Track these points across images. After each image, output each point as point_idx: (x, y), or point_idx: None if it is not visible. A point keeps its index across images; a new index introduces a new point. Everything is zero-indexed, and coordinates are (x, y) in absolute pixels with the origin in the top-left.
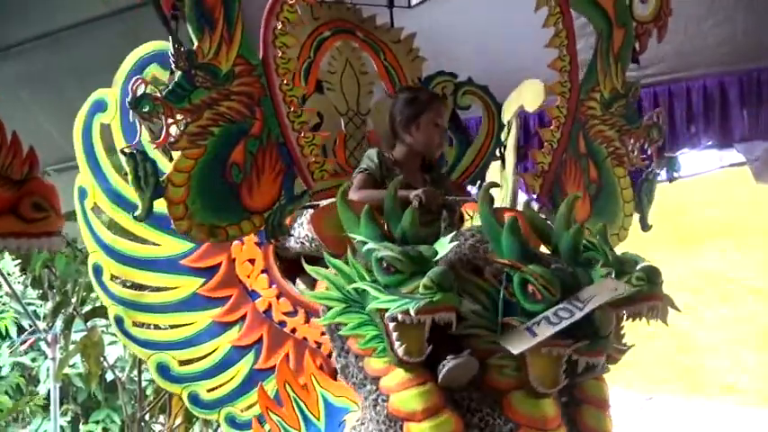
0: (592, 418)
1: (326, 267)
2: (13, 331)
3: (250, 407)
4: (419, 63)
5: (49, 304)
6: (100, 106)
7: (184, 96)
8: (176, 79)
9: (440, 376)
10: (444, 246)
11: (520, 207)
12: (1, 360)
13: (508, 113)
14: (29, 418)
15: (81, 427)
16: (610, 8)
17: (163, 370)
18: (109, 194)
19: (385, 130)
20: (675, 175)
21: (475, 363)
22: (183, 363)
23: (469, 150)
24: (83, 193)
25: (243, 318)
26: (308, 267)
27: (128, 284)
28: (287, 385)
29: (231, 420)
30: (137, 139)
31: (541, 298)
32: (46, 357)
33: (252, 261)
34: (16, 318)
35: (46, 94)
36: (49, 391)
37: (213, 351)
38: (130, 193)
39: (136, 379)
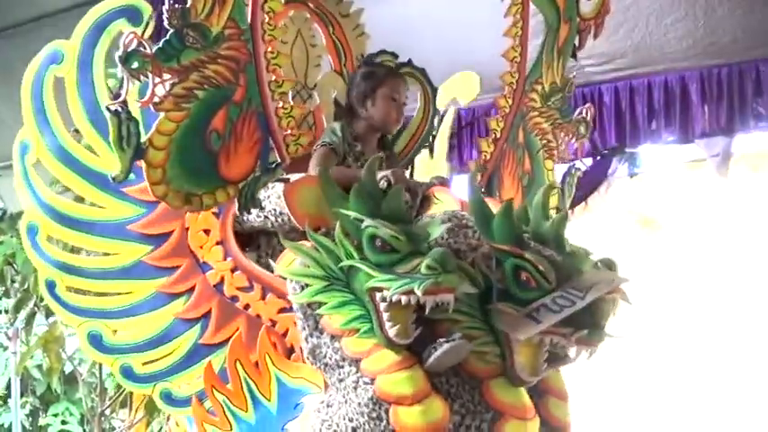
0: (556, 408)
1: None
2: None
3: (189, 383)
4: (364, 40)
5: (12, 300)
6: (55, 57)
7: (174, 56)
8: (167, 37)
9: (430, 359)
10: (437, 227)
11: None
12: None
13: (440, 102)
14: None
15: (40, 419)
16: (561, 3)
17: (94, 339)
18: (55, 151)
19: (330, 109)
20: (636, 170)
21: (467, 347)
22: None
23: (404, 133)
24: (24, 148)
25: (191, 290)
26: (287, 243)
27: (68, 249)
28: (238, 363)
29: (167, 396)
30: (123, 96)
31: (536, 285)
32: (3, 350)
33: (207, 231)
34: None
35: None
36: (8, 383)
37: (153, 322)
38: (78, 151)
39: (96, 372)
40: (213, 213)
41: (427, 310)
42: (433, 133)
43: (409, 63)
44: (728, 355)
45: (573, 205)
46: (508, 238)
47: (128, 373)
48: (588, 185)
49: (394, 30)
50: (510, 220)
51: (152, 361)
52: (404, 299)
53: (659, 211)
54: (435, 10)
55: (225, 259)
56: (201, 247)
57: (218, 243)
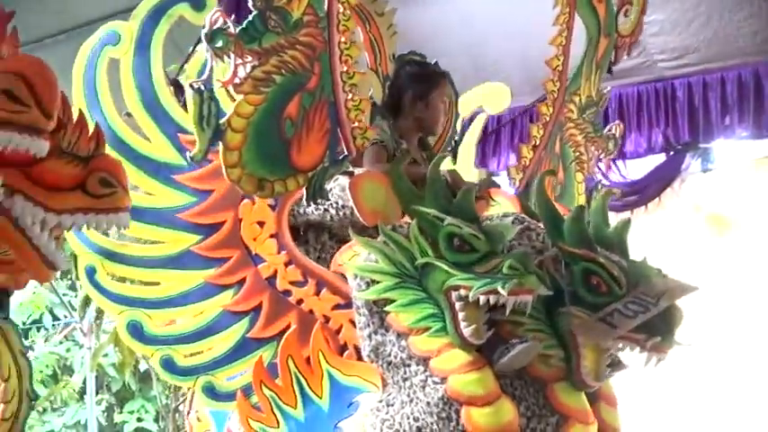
0: (607, 414)
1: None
2: (47, 321)
3: (235, 376)
4: (395, 39)
5: (81, 294)
6: (112, 38)
7: (256, 38)
8: (251, 18)
9: (503, 360)
10: (510, 229)
11: None
12: (37, 350)
13: (464, 109)
14: (64, 407)
15: (115, 416)
16: (603, 17)
17: (135, 329)
18: (104, 134)
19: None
20: (709, 166)
21: (538, 349)
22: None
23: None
24: None
25: (241, 282)
26: (357, 238)
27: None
28: (290, 359)
29: (210, 390)
30: (205, 74)
31: (606, 290)
32: (80, 347)
33: (261, 223)
34: (50, 308)
35: None
36: (84, 380)
37: (199, 314)
38: (129, 135)
39: None
40: (269, 205)
41: (507, 311)
42: (455, 138)
43: (435, 65)
44: None
45: (646, 201)
46: (579, 243)
47: (169, 364)
48: (661, 181)
49: (426, 31)
50: (582, 225)
51: (196, 353)
52: (482, 298)
53: (731, 208)
54: (469, 13)
55: (279, 252)
56: (255, 239)
57: (272, 236)
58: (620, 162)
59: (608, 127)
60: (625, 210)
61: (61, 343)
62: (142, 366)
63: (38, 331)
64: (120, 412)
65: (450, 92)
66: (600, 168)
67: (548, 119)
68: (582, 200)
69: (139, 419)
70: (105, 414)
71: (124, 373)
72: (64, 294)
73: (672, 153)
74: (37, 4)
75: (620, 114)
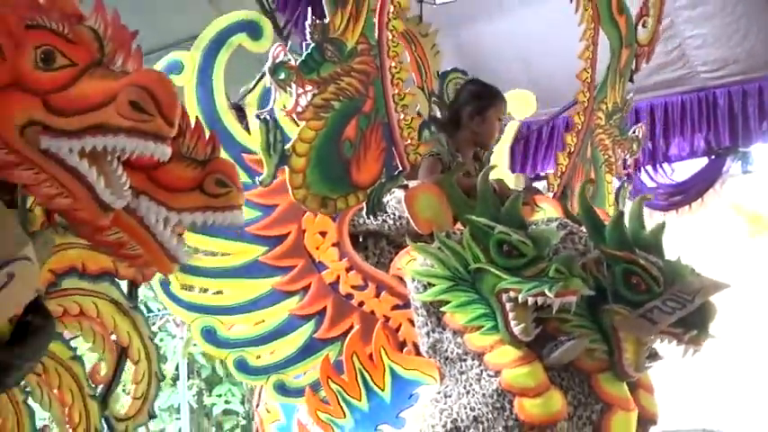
0: (646, 400)
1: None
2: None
3: (303, 374)
4: (439, 58)
5: None
6: (175, 67)
7: (314, 68)
8: (309, 50)
9: (553, 354)
10: (555, 234)
11: None
12: None
13: None
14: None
15: (205, 399)
16: (623, 29)
17: (208, 334)
18: None
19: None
20: (749, 168)
21: (583, 345)
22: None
23: None
24: None
25: (306, 288)
26: (415, 245)
27: None
28: (354, 356)
29: (280, 387)
30: (270, 105)
31: (645, 289)
32: (173, 337)
33: (323, 234)
34: (145, 302)
35: None
36: (176, 366)
37: (268, 318)
38: None
39: None
40: (330, 217)
41: (554, 310)
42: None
43: (475, 80)
44: None
45: (690, 201)
46: (620, 245)
47: (242, 365)
48: (704, 183)
49: (484, 44)
50: (622, 229)
51: (266, 354)
52: (531, 300)
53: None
54: (512, 33)
55: (340, 259)
56: (318, 248)
57: (333, 244)
58: (666, 165)
59: (632, 129)
60: (670, 209)
61: (155, 334)
62: None
63: None
64: (209, 395)
65: (503, 104)
66: (647, 171)
67: (580, 127)
68: (611, 199)
69: (227, 402)
70: (195, 397)
71: (214, 362)
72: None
73: (713, 157)
74: (137, 21)
75: (664, 122)
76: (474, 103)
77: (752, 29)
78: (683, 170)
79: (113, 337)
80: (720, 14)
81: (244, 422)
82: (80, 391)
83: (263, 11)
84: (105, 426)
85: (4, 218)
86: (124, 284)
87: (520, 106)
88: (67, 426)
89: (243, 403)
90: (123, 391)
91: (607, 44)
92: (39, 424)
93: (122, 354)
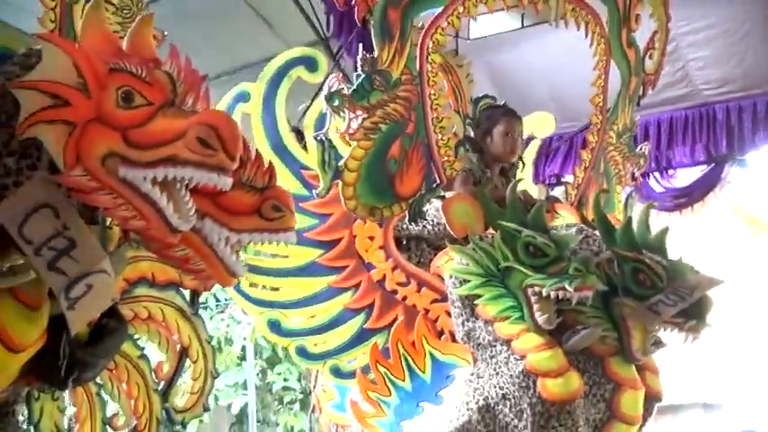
0: (652, 380)
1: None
2: (211, 303)
3: (355, 359)
4: (473, 86)
5: None
6: (243, 97)
7: (364, 96)
8: (360, 80)
9: (571, 341)
10: (573, 237)
11: None
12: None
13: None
14: (226, 371)
15: (268, 377)
16: (633, 60)
17: (273, 325)
18: None
19: None
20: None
21: (597, 333)
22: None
23: None
24: None
25: (357, 285)
26: (453, 247)
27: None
28: (399, 343)
29: (336, 370)
30: (325, 128)
31: (651, 285)
32: (238, 323)
33: (371, 238)
34: (214, 293)
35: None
36: (242, 348)
37: (325, 311)
38: None
39: None
40: (377, 223)
41: (573, 303)
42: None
43: (503, 105)
44: None
45: (692, 203)
46: (629, 247)
47: (302, 352)
48: (705, 187)
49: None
50: (631, 233)
51: (323, 342)
52: (553, 294)
53: (763, 209)
54: (536, 58)
55: (386, 260)
56: (366, 251)
57: (380, 247)
58: (671, 171)
59: (638, 147)
60: (675, 210)
61: (222, 320)
62: None
63: (204, 311)
64: (271, 373)
65: (518, 125)
66: (656, 177)
67: (594, 145)
68: (621, 207)
69: (285, 380)
70: (259, 375)
71: (273, 343)
72: None
73: (713, 164)
74: (207, 47)
75: (669, 133)
76: (483, 126)
77: (748, 52)
78: (687, 176)
79: (176, 338)
80: (720, 39)
81: (301, 396)
82: (145, 385)
83: (317, 37)
84: (165, 416)
85: (85, 235)
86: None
87: (541, 126)
88: (133, 415)
89: (299, 380)
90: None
91: (617, 72)
92: (108, 413)
93: (183, 354)
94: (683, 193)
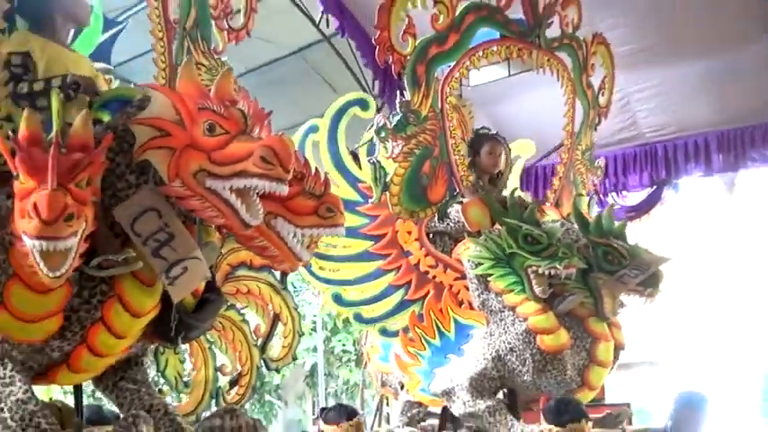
0: (617, 334)
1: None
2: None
3: (397, 323)
4: (473, 120)
5: None
6: (313, 129)
7: (402, 129)
8: (399, 118)
9: (561, 306)
10: (559, 229)
11: None
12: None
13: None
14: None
15: (331, 343)
16: (590, 97)
17: (337, 298)
18: None
19: None
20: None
21: (579, 299)
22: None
23: None
24: None
25: (398, 267)
26: (470, 239)
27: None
28: (431, 311)
29: (383, 330)
30: (375, 153)
31: (617, 263)
32: (309, 304)
33: (409, 232)
34: (292, 282)
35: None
36: (313, 322)
37: (375, 287)
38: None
39: None
40: (414, 222)
41: (561, 278)
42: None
43: (496, 133)
44: None
45: (641, 215)
46: (600, 235)
47: (358, 317)
48: (650, 203)
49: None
50: (601, 224)
51: (373, 310)
52: (546, 271)
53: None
54: (528, 101)
55: (420, 249)
56: (406, 242)
57: (416, 239)
58: (625, 192)
59: (596, 161)
60: (629, 221)
61: (298, 302)
62: None
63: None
64: (333, 340)
65: (500, 146)
66: (613, 197)
67: (566, 161)
68: (585, 204)
69: (343, 345)
70: (325, 342)
71: (334, 318)
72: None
73: (655, 187)
74: (285, 104)
75: (624, 165)
76: (473, 147)
77: (681, 104)
78: (636, 196)
79: (270, 307)
80: (661, 96)
81: (355, 357)
82: (246, 342)
83: (400, 94)
84: (263, 364)
85: (181, 231)
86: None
87: (524, 150)
88: (238, 364)
89: (354, 345)
90: None
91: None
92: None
93: (275, 318)
94: (633, 209)
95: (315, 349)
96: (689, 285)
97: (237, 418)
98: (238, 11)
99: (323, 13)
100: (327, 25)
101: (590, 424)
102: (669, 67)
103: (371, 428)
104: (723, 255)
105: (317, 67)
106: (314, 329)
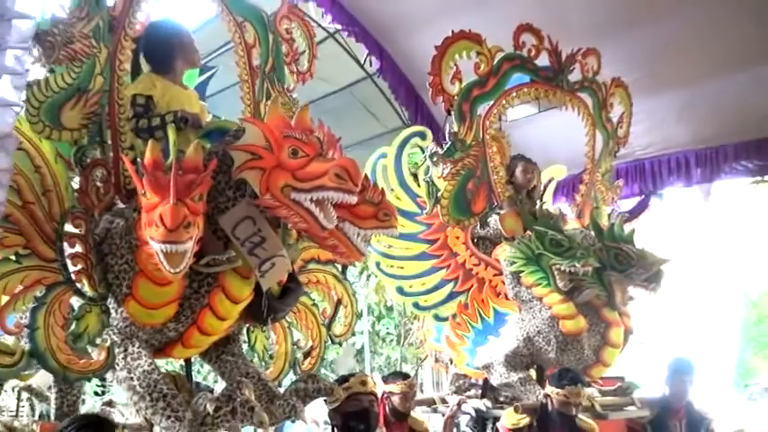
0: (627, 321)
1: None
2: None
3: (448, 310)
4: (510, 148)
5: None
6: (383, 155)
7: (451, 154)
8: (448, 144)
9: (579, 298)
10: (579, 235)
11: None
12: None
13: (545, 177)
14: None
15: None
16: (611, 130)
17: (399, 290)
18: None
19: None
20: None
21: (595, 292)
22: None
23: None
24: None
25: (449, 265)
26: (507, 243)
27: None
28: (474, 300)
29: (436, 316)
30: (429, 173)
31: (626, 263)
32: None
33: (457, 237)
34: None
35: None
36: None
37: (431, 281)
38: (396, 199)
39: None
40: (461, 229)
41: (580, 274)
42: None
43: (523, 156)
44: None
45: (630, 220)
46: (612, 240)
47: (417, 305)
48: (640, 209)
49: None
50: (613, 232)
51: (428, 300)
52: (568, 269)
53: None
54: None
55: (466, 251)
56: (454, 245)
57: (463, 243)
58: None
59: (615, 183)
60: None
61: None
62: (388, 302)
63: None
64: (378, 324)
65: (531, 167)
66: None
67: (587, 181)
68: (605, 216)
69: (387, 328)
70: (372, 325)
71: (379, 304)
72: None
73: (642, 196)
74: (335, 131)
75: (617, 178)
76: (511, 168)
77: (666, 127)
78: (627, 204)
79: (333, 293)
80: (647, 120)
81: (395, 338)
82: (316, 321)
83: (402, 122)
84: (329, 339)
85: (271, 234)
86: None
87: (557, 173)
88: (310, 339)
89: (395, 328)
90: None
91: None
92: (295, 339)
93: (338, 303)
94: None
95: (362, 332)
96: (673, 277)
97: (317, 382)
98: (303, 52)
99: (367, 56)
100: (371, 65)
101: (585, 389)
102: (654, 97)
103: None
104: (701, 251)
105: (362, 100)
106: (360, 316)
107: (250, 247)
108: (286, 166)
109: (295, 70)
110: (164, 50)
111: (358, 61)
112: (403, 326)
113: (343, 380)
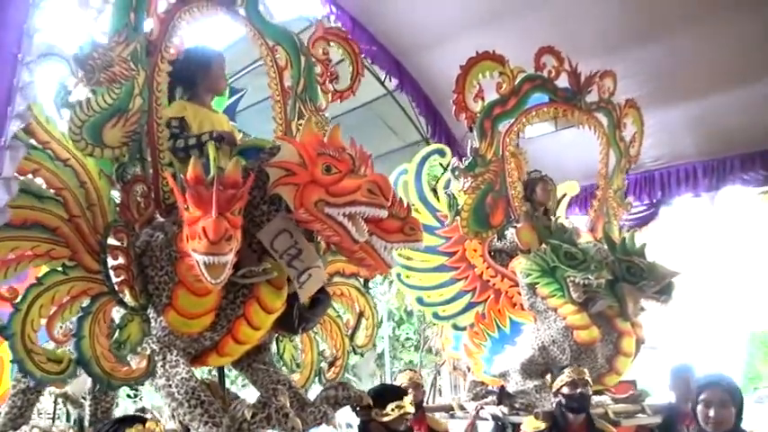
0: (639, 331)
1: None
2: None
3: (465, 319)
4: (527, 164)
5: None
6: (404, 171)
7: (472, 169)
8: (469, 160)
9: (594, 308)
10: (593, 249)
11: None
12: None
13: (559, 193)
14: None
15: (396, 332)
16: (623, 148)
17: (419, 300)
18: None
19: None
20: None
21: (607, 302)
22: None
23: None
24: None
25: (467, 277)
26: (523, 255)
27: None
28: (491, 311)
29: (455, 325)
30: (450, 187)
31: (638, 275)
32: (378, 301)
33: (475, 250)
34: None
35: None
36: (380, 317)
37: (450, 292)
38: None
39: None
40: (479, 242)
41: (594, 286)
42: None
43: (541, 173)
44: None
45: (642, 227)
46: (624, 254)
47: (436, 315)
48: (649, 217)
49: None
50: (625, 246)
51: (447, 309)
52: (582, 281)
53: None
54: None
55: (484, 263)
56: (472, 258)
57: (480, 255)
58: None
59: (626, 199)
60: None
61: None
62: (408, 308)
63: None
64: (398, 330)
65: (551, 185)
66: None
67: (600, 196)
68: (616, 230)
69: (406, 334)
70: (391, 331)
71: (399, 311)
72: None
73: (652, 204)
74: (379, 132)
75: (627, 188)
76: (530, 185)
77: (672, 141)
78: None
79: (356, 305)
80: (656, 135)
81: (415, 344)
82: (340, 332)
83: (471, 147)
84: (352, 349)
85: (307, 246)
86: None
87: (570, 189)
88: (334, 349)
89: (415, 333)
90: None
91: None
92: (320, 349)
93: (360, 314)
94: (635, 222)
95: (383, 337)
96: (682, 283)
97: (347, 390)
98: (337, 76)
99: (386, 73)
100: (390, 80)
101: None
102: (663, 111)
103: (427, 400)
104: (708, 257)
105: (381, 115)
106: (381, 322)
107: (288, 259)
108: (320, 182)
109: (331, 89)
110: (188, 78)
111: (378, 78)
112: (422, 332)
113: (393, 394)
